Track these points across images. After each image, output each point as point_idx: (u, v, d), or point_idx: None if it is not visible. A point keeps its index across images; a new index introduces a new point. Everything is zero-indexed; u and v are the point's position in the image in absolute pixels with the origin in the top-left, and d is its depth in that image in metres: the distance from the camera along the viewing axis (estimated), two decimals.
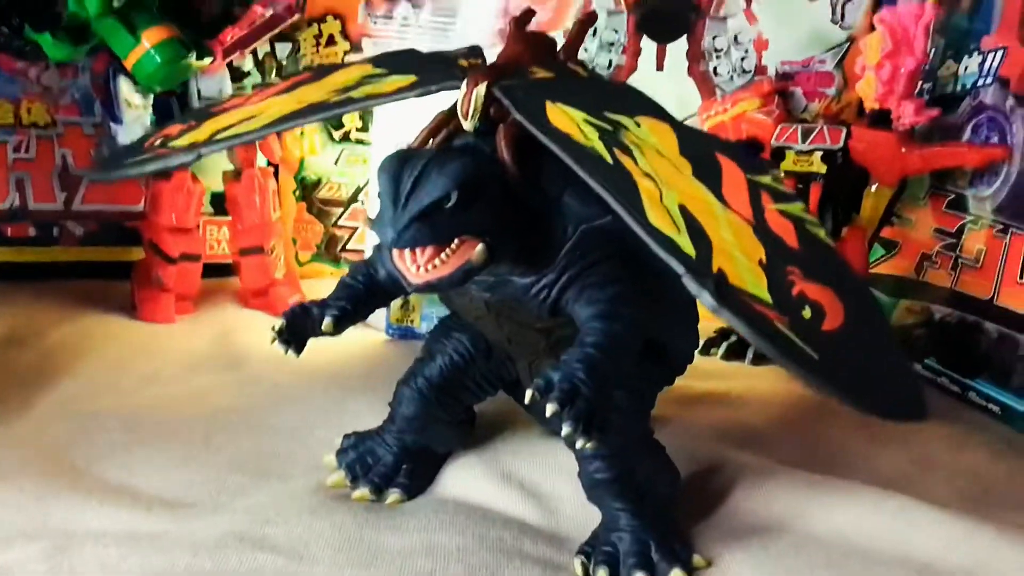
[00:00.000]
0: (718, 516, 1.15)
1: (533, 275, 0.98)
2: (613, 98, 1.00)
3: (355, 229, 2.04)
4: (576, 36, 1.09)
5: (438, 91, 0.98)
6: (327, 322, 1.02)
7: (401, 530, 1.09)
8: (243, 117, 1.03)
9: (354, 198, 2.03)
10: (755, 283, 0.80)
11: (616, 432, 1.00)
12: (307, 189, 2.03)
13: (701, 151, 0.93)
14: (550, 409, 0.86)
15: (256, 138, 1.00)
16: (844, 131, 1.63)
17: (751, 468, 1.22)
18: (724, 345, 1.74)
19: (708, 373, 1.61)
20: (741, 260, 0.81)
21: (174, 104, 1.67)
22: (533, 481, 1.19)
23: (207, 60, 1.62)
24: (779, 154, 1.66)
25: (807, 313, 0.81)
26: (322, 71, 1.10)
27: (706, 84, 1.87)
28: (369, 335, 1.73)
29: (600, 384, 0.89)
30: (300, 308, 1.04)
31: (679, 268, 0.78)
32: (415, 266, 0.90)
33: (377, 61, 1.08)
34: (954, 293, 1.64)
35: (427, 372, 1.16)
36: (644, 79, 1.88)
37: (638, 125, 0.92)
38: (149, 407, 1.40)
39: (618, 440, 1.01)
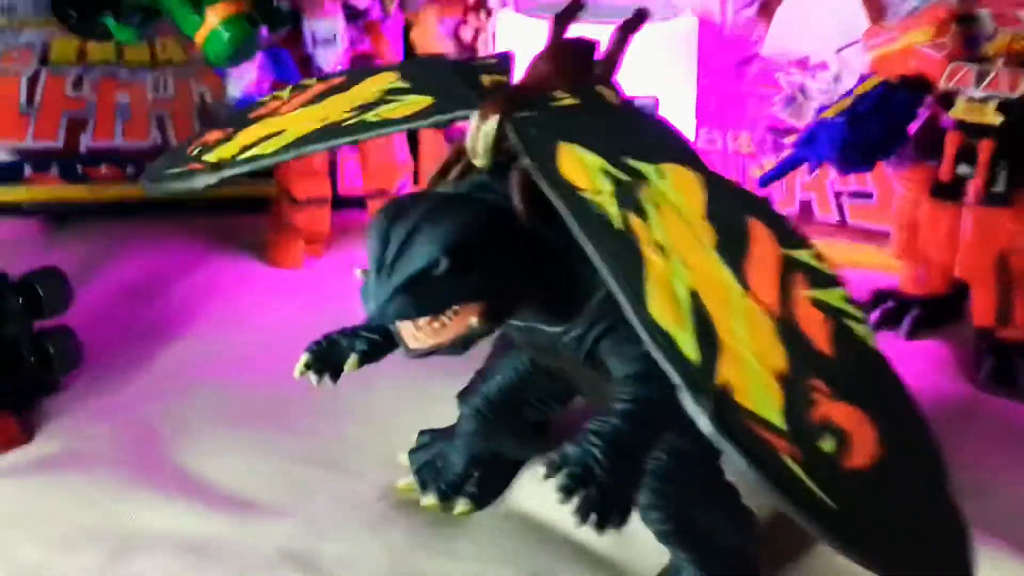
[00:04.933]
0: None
1: (561, 325, 0.88)
2: (640, 138, 0.86)
3: None
4: (617, 47, 0.92)
5: (448, 122, 0.87)
6: (351, 361, 0.95)
7: (455, 557, 1.07)
8: (268, 132, 0.95)
9: None
10: (767, 402, 0.65)
11: (674, 480, 0.93)
12: None
13: (731, 213, 0.77)
14: (556, 496, 0.76)
15: (270, 163, 0.92)
16: None
17: None
18: None
19: None
20: (754, 368, 0.66)
21: (287, 56, 1.61)
22: None
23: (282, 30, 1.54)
24: (948, 100, 1.41)
25: (828, 445, 0.65)
26: (354, 77, 1.00)
27: (875, 5, 1.63)
28: None
29: (622, 461, 0.79)
30: (326, 341, 0.97)
31: (675, 378, 0.66)
32: (415, 330, 0.82)
33: (404, 70, 0.97)
34: None
35: (485, 390, 1.09)
36: None
37: (662, 176, 0.78)
38: (248, 379, 1.39)
39: (675, 488, 0.93)
